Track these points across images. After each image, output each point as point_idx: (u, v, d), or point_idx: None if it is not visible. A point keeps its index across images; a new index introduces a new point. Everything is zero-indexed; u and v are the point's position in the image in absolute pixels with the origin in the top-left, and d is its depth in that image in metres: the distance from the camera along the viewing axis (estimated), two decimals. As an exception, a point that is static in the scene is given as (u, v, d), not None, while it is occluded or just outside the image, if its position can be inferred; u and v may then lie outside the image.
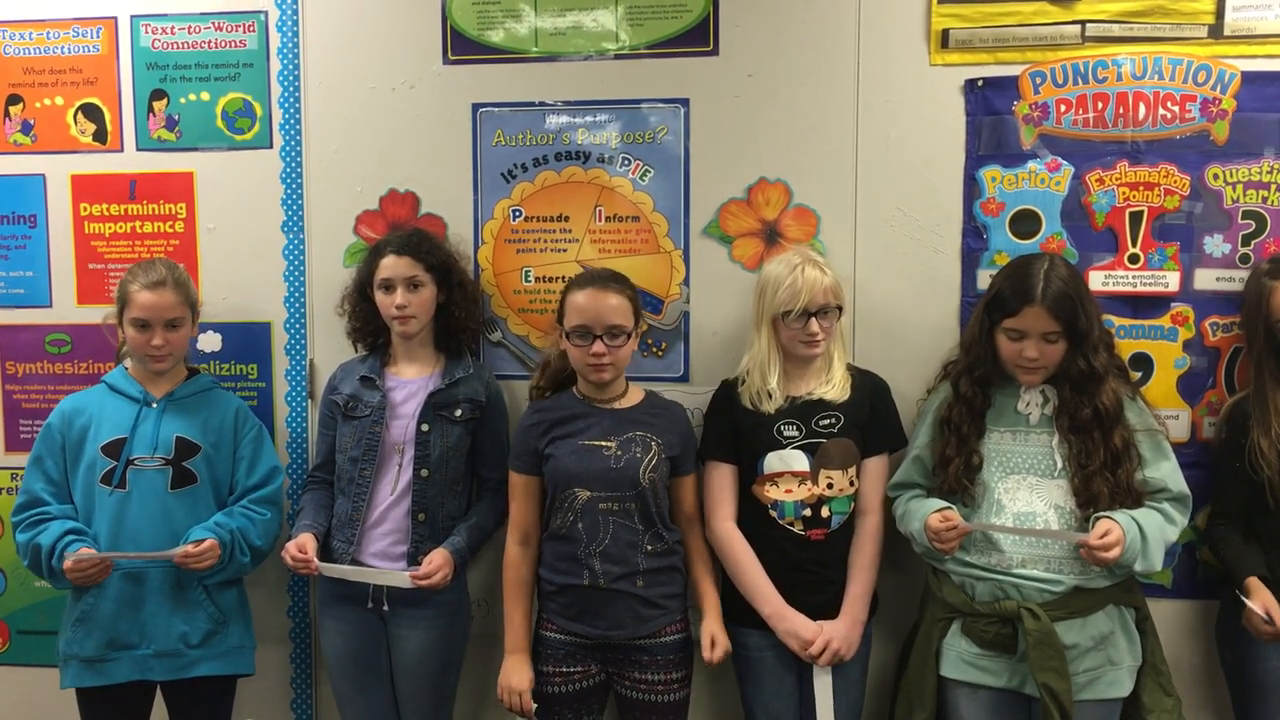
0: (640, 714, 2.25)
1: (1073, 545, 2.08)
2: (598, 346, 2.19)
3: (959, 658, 2.17)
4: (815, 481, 2.25)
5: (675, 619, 2.27)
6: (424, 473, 2.35)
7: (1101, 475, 2.09)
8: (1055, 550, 2.11)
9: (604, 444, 2.23)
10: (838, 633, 2.21)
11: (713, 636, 2.25)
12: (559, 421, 2.27)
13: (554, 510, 2.25)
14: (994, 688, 2.14)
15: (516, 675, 2.23)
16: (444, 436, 2.37)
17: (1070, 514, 2.12)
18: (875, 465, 2.30)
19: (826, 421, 2.26)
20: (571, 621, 2.23)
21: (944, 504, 2.16)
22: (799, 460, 2.26)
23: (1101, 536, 2.01)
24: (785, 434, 2.27)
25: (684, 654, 2.28)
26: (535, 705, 2.22)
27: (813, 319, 2.23)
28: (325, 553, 2.37)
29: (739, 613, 2.31)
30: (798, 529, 2.26)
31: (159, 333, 2.33)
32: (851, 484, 2.27)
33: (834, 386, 2.28)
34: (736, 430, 2.31)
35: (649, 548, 2.22)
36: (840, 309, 2.28)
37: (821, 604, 2.25)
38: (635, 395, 2.32)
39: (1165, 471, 2.14)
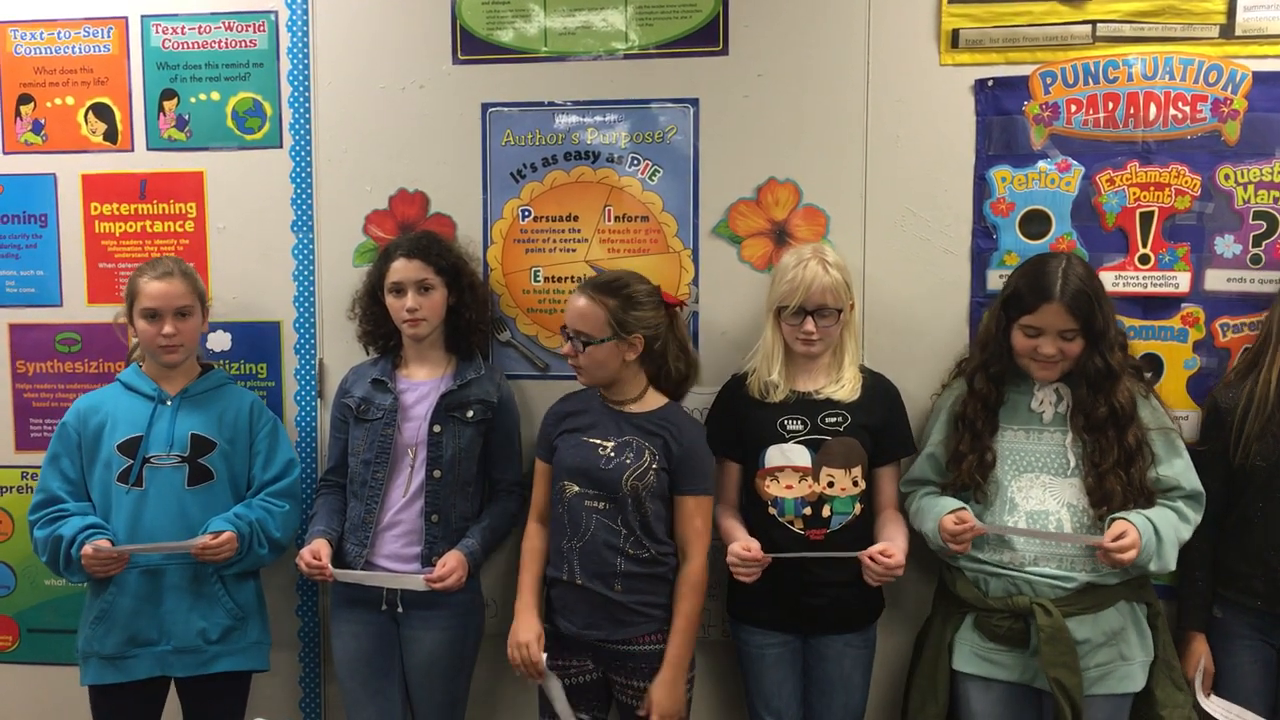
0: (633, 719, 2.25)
1: (1087, 545, 2.08)
2: (566, 347, 2.24)
3: (971, 651, 2.18)
4: (816, 479, 2.24)
5: (660, 627, 2.22)
6: (436, 474, 2.35)
7: (1115, 474, 2.09)
8: (1067, 548, 2.12)
9: (602, 443, 2.24)
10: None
11: (650, 700, 2.17)
12: (571, 414, 2.31)
13: (552, 500, 2.28)
14: (1006, 681, 2.16)
15: (523, 629, 2.22)
16: (456, 438, 2.37)
17: (1083, 512, 2.13)
18: (889, 471, 2.31)
19: (833, 419, 2.25)
20: (558, 615, 2.26)
21: (958, 504, 2.17)
22: (800, 455, 2.25)
23: (1116, 539, 2.01)
24: (789, 428, 2.26)
25: None
26: (545, 655, 2.19)
27: (809, 318, 2.22)
28: (339, 556, 2.38)
29: (742, 610, 2.31)
30: (798, 528, 2.24)
31: (169, 321, 2.33)
32: (855, 484, 2.25)
33: (844, 387, 2.27)
34: (740, 423, 2.30)
35: (630, 552, 2.20)
36: (841, 311, 2.25)
37: (821, 608, 2.23)
38: (652, 402, 2.28)
39: (1178, 469, 2.14)
